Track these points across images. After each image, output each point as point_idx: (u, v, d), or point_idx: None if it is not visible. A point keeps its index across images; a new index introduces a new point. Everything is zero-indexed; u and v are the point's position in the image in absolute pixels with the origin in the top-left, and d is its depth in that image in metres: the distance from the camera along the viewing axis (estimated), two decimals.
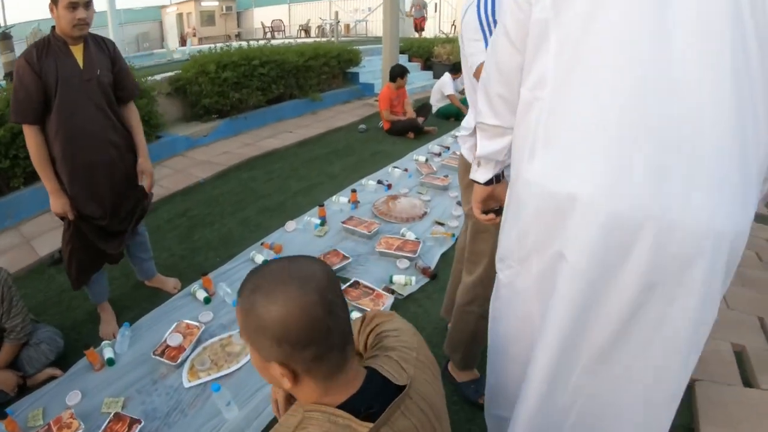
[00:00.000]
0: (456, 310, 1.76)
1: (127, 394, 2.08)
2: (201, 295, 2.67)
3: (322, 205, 3.55)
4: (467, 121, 1.66)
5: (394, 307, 2.57)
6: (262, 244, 3.23)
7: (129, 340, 2.36)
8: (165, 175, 4.51)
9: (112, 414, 1.93)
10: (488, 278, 1.30)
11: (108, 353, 2.24)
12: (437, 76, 7.71)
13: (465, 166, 1.61)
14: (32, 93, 1.96)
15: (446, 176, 4.33)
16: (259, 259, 3.00)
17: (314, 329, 0.70)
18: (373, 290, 2.67)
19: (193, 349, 2.28)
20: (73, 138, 2.06)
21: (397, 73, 5.61)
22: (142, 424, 1.88)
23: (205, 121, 5.65)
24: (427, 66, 9.35)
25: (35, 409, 2.01)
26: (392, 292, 2.69)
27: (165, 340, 2.29)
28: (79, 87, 2.05)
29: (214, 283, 2.76)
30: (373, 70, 7.91)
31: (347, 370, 0.77)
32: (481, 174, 1.22)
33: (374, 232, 3.31)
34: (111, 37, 8.10)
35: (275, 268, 0.76)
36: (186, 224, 3.59)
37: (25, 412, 2.01)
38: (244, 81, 5.81)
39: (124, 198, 2.31)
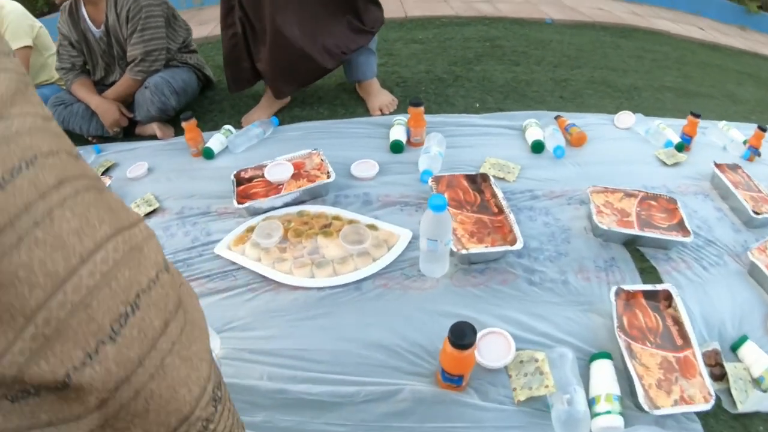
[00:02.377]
0: None
1: (171, 204, 1.28)
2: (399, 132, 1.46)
3: (697, 115, 1.47)
4: None
5: None
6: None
7: (255, 141, 1.49)
8: None
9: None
10: None
11: (213, 143, 1.44)
12: None
13: None
14: None
15: None
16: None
17: None
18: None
19: (287, 204, 1.22)
20: None
21: None
22: None
23: None
24: None
25: (108, 161, 1.50)
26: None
27: (267, 165, 1.29)
28: None
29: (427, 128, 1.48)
30: None
31: None
32: None
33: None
34: None
35: None
36: (468, 53, 2.21)
37: (106, 157, 1.53)
38: None
39: None
